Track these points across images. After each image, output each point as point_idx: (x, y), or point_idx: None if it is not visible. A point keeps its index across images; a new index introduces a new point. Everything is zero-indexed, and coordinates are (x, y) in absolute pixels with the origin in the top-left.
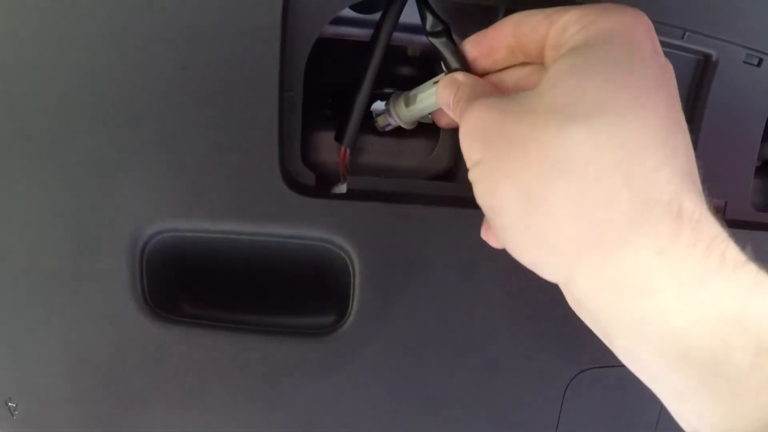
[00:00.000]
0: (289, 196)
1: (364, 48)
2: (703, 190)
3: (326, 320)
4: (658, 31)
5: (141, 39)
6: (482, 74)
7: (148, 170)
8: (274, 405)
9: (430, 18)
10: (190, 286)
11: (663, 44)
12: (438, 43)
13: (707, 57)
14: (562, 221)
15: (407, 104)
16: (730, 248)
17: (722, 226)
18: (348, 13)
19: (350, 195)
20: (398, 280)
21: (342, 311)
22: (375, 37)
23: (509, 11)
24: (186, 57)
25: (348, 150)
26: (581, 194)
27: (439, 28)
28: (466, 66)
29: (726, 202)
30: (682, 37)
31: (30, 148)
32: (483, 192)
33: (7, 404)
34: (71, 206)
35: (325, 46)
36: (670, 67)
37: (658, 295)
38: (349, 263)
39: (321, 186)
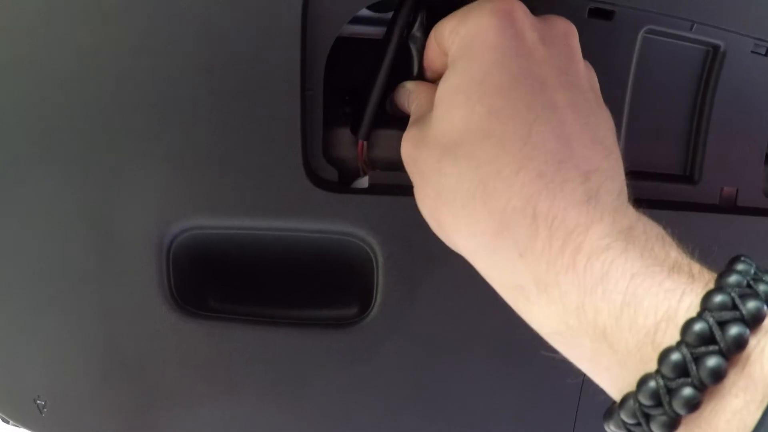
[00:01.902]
0: (313, 192)
1: (379, 45)
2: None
3: (350, 312)
4: (668, 24)
5: (167, 42)
6: (436, 79)
7: (173, 169)
8: (302, 395)
9: (418, 25)
10: (216, 281)
11: (672, 36)
12: (414, 48)
13: (715, 48)
14: (454, 238)
15: None
16: (589, 239)
17: (594, 209)
18: (362, 12)
19: (373, 189)
20: (422, 271)
21: (366, 303)
22: (389, 32)
23: None
24: (211, 60)
25: (365, 143)
26: (457, 219)
27: (419, 34)
28: (422, 72)
29: (737, 190)
30: (691, 29)
31: (56, 147)
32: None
33: (35, 402)
34: (98, 205)
35: (341, 45)
36: (538, 49)
37: (525, 292)
38: (372, 256)
39: (343, 181)
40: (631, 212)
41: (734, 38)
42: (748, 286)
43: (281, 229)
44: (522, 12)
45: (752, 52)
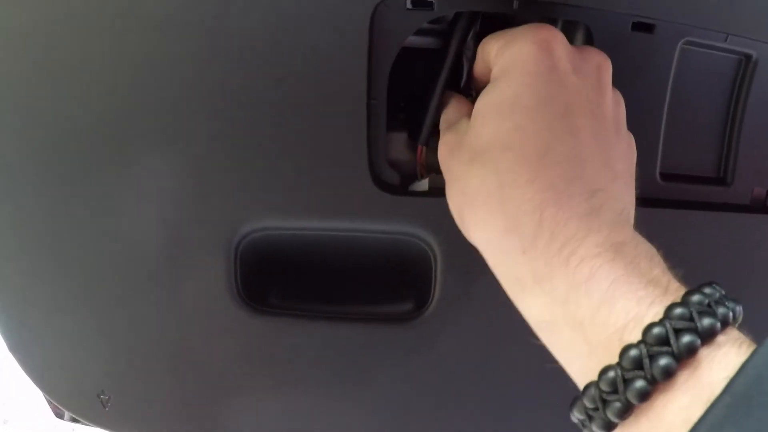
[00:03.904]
0: (377, 195)
1: (436, 55)
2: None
3: (407, 308)
4: (704, 36)
5: (242, 55)
6: (480, 88)
7: (245, 174)
8: (362, 388)
9: (471, 36)
10: (281, 279)
11: (707, 47)
12: (465, 58)
13: (748, 57)
14: (471, 230)
15: None
16: (584, 245)
17: (592, 223)
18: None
19: (433, 192)
20: (477, 268)
21: (423, 299)
22: (447, 43)
23: (567, 23)
24: (283, 71)
25: (424, 148)
26: (476, 214)
27: (471, 45)
28: (468, 85)
29: (767, 191)
30: (725, 40)
31: (132, 150)
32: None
33: (99, 397)
34: (171, 208)
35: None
36: (569, 78)
37: (522, 283)
38: (431, 254)
39: (404, 184)
40: (628, 231)
41: (766, 48)
42: (709, 306)
43: (346, 230)
44: (560, 42)
45: None
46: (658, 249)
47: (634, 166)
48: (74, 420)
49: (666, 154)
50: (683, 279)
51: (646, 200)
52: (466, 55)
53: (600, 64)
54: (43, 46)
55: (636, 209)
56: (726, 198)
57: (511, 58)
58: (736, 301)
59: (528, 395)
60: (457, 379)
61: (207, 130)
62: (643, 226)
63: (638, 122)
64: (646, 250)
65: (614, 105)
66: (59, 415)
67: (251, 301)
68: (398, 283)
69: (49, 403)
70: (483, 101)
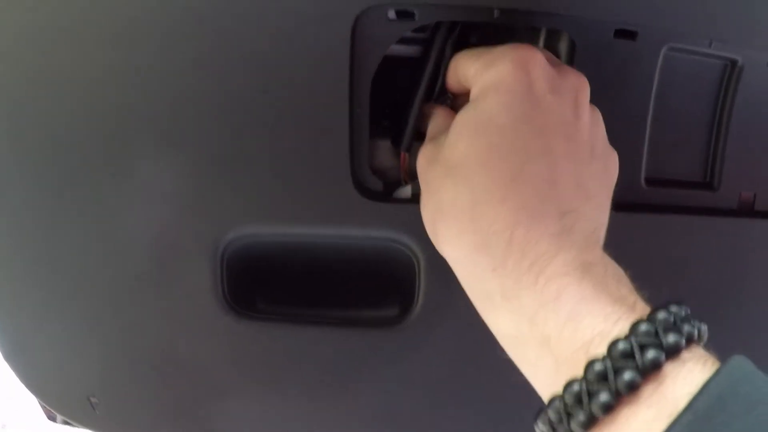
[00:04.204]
0: (360, 202)
1: (417, 62)
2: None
3: (392, 313)
4: (688, 41)
5: (227, 65)
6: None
7: (230, 180)
8: (347, 392)
9: (449, 44)
10: (266, 284)
11: (692, 52)
12: (443, 65)
13: (733, 62)
14: (443, 245)
15: None
16: (553, 264)
17: (562, 243)
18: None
19: (416, 198)
20: None
21: (408, 304)
22: (426, 51)
23: (551, 32)
24: (267, 81)
25: (407, 155)
26: (449, 230)
27: (449, 53)
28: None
29: (755, 195)
30: (710, 46)
31: (118, 157)
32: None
33: (89, 400)
34: (158, 214)
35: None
36: (546, 99)
37: (491, 300)
38: (414, 260)
39: (387, 191)
40: (598, 252)
41: (750, 53)
42: (675, 323)
43: (330, 237)
44: (538, 62)
45: None
46: (644, 254)
47: (612, 185)
48: (66, 423)
49: (651, 159)
50: (669, 282)
51: (630, 205)
52: (445, 64)
53: (577, 86)
54: (24, 49)
55: (621, 214)
56: (713, 203)
57: (490, 78)
58: (701, 320)
59: (513, 400)
60: (443, 384)
61: (193, 138)
62: (627, 230)
63: (622, 128)
64: (614, 270)
65: (591, 125)
66: (51, 418)
67: (238, 306)
68: (383, 288)
69: (42, 406)
70: (460, 118)
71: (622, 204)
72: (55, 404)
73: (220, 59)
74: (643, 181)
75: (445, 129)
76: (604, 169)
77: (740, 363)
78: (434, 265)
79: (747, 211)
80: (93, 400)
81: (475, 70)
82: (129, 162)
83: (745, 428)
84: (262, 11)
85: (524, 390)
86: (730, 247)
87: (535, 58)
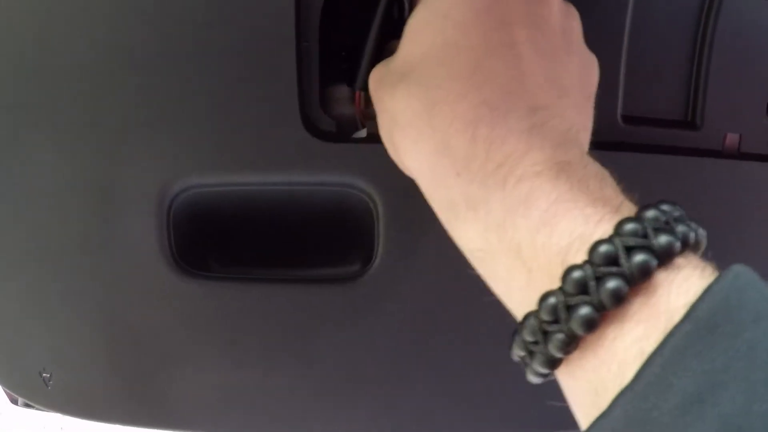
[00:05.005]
0: (311, 143)
1: None
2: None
3: (353, 269)
4: None
5: (163, 1)
6: None
7: (171, 128)
8: (306, 352)
9: None
10: (217, 240)
11: None
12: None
13: None
14: (403, 158)
15: None
16: (523, 164)
17: (533, 141)
18: None
19: (371, 138)
20: (422, 220)
21: (368, 256)
22: None
23: None
24: (205, 14)
25: (362, 94)
26: (406, 138)
27: None
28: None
29: (741, 136)
30: None
31: (51, 113)
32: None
33: (41, 375)
34: (95, 169)
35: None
36: None
37: (456, 209)
38: (372, 207)
39: (342, 134)
40: (577, 152)
41: None
42: (667, 223)
43: (281, 183)
44: None
45: None
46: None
47: (592, 89)
48: (27, 405)
49: (628, 95)
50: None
51: (606, 144)
52: None
53: None
54: None
55: (596, 153)
56: (695, 143)
57: None
58: (699, 223)
59: (481, 355)
60: (406, 341)
61: (128, 82)
62: None
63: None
64: (596, 170)
65: (563, 16)
66: (14, 401)
67: (188, 266)
68: (345, 242)
69: (3, 390)
70: (412, 20)
71: (597, 143)
72: (8, 383)
73: None
74: (620, 118)
75: None
76: (582, 68)
77: (744, 270)
78: (394, 211)
79: (732, 153)
80: (45, 375)
81: None
82: (61, 116)
83: (755, 338)
84: None
85: (494, 346)
86: (714, 190)
87: None
